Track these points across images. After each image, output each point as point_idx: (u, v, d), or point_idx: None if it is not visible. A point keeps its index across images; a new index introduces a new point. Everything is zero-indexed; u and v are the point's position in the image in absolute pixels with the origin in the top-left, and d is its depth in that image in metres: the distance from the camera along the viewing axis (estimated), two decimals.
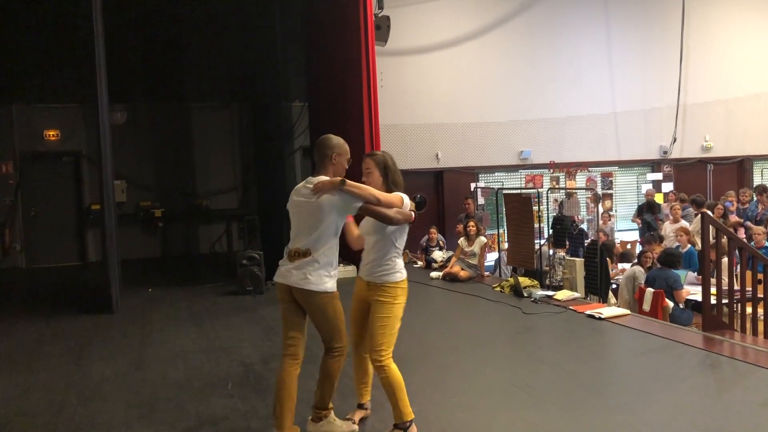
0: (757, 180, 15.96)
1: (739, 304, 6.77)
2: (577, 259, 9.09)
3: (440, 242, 11.00)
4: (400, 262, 4.02)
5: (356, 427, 4.11)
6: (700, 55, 15.75)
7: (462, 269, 9.44)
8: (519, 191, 10.96)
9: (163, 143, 13.25)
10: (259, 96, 10.56)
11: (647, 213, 12.60)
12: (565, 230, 9.99)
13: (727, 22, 16.06)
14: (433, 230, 11.10)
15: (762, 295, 7.29)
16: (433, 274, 9.75)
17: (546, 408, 4.43)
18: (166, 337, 6.80)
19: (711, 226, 6.75)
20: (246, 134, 13.60)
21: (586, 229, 11.44)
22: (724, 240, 6.85)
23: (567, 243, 9.89)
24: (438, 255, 10.46)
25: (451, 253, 10.26)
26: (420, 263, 10.81)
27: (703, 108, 15.87)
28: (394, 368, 3.84)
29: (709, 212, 8.37)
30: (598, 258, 8.63)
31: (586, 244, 9.50)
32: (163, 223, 13.05)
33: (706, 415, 4.22)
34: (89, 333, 7.06)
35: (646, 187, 15.23)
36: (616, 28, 15.19)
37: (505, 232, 10.30)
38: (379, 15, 11.71)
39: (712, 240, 6.99)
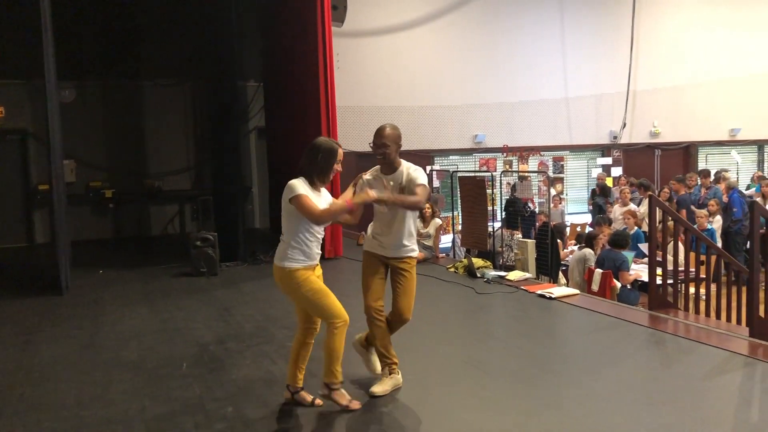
0: (701, 165, 16.47)
1: (683, 284, 7.02)
2: (528, 240, 9.27)
3: None
4: (296, 251, 3.96)
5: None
6: (650, 44, 16.17)
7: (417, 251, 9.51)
8: (473, 174, 11.08)
9: (114, 122, 12.91)
10: (213, 75, 10.38)
11: (599, 196, 12.88)
12: (517, 213, 10.17)
13: (675, 13, 16.51)
14: None
15: (704, 276, 7.58)
16: None
17: (498, 384, 4.55)
18: (117, 318, 6.70)
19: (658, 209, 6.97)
20: (199, 114, 13.36)
21: (537, 211, 11.66)
22: (671, 222, 7.09)
23: (519, 225, 10.07)
24: None
25: None
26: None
27: (652, 95, 16.30)
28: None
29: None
30: (549, 239, 8.82)
31: (537, 226, 9.70)
32: (114, 203, 12.77)
33: (651, 388, 4.39)
34: (38, 315, 6.90)
35: (597, 172, 15.59)
36: (569, 16, 15.43)
37: (460, 214, 10.42)
38: None
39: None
